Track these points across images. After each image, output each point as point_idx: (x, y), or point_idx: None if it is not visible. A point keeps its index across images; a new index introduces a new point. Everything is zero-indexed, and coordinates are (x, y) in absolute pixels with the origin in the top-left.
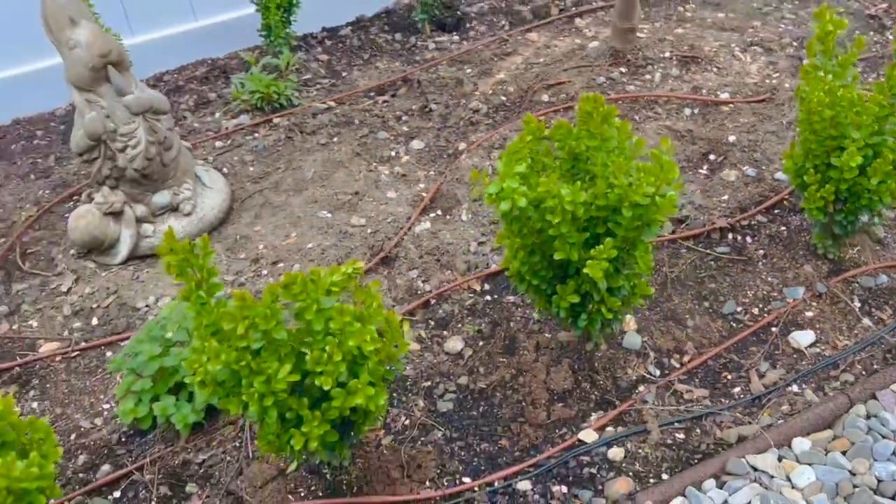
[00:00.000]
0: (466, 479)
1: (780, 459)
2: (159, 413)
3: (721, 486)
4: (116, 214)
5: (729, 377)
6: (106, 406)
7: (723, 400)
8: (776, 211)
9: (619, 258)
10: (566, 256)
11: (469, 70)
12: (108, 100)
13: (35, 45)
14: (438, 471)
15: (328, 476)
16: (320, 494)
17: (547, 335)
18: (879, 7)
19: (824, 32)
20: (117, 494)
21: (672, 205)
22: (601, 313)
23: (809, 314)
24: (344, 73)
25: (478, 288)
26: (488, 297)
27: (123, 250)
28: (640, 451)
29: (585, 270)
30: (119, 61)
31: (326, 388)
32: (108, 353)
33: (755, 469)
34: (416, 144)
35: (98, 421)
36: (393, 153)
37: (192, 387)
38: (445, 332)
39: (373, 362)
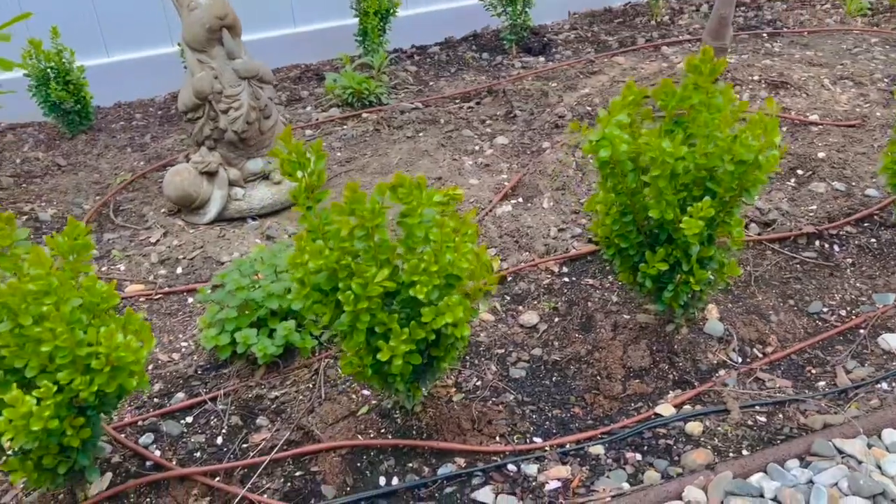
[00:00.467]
0: (537, 439)
1: (869, 447)
2: (241, 341)
3: (806, 465)
4: (211, 175)
5: (813, 371)
6: (184, 344)
7: (807, 392)
8: (866, 224)
9: (713, 222)
10: (661, 215)
11: (554, 84)
12: (218, 62)
13: (139, 35)
14: (509, 428)
15: (398, 420)
16: (390, 437)
17: (626, 316)
18: None
19: None
20: (189, 419)
21: (774, 164)
22: (689, 285)
23: None
24: (431, 83)
25: (556, 270)
26: (566, 279)
27: (213, 210)
28: (719, 428)
29: (681, 225)
30: (233, 25)
31: (420, 297)
32: (189, 300)
33: (842, 453)
34: (501, 140)
35: (175, 356)
36: (477, 147)
37: (273, 322)
38: (521, 308)
39: (464, 285)
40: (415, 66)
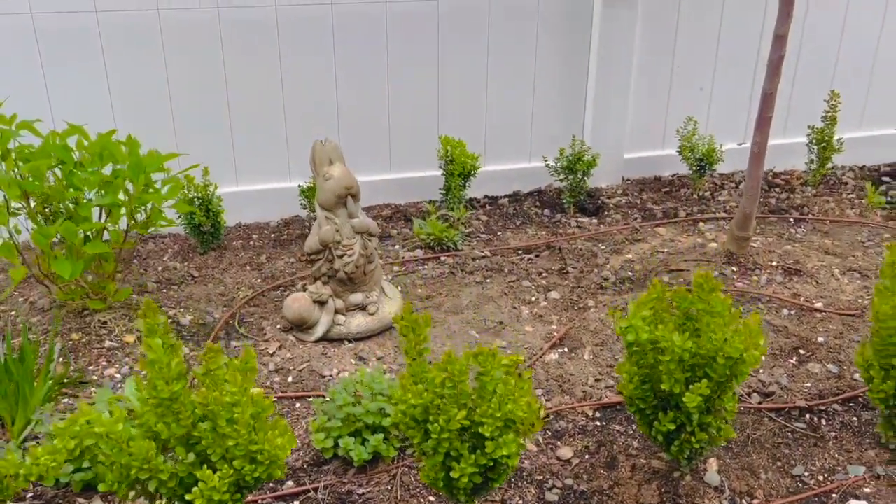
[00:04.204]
0: None
1: None
2: (343, 446)
3: None
4: (321, 303)
5: None
6: None
7: None
8: (851, 404)
9: (710, 397)
10: (670, 388)
11: (603, 247)
12: (340, 219)
13: (265, 169)
14: None
15: None
16: None
17: (643, 460)
18: None
19: (893, 261)
20: (296, 503)
21: (755, 362)
22: (691, 443)
23: (867, 490)
24: (499, 232)
25: (590, 413)
26: (598, 423)
27: (319, 331)
28: None
29: (684, 399)
30: (355, 194)
31: (486, 434)
32: (297, 405)
33: None
34: (553, 295)
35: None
36: (533, 298)
37: (367, 434)
38: (559, 443)
39: (518, 427)
40: (486, 215)
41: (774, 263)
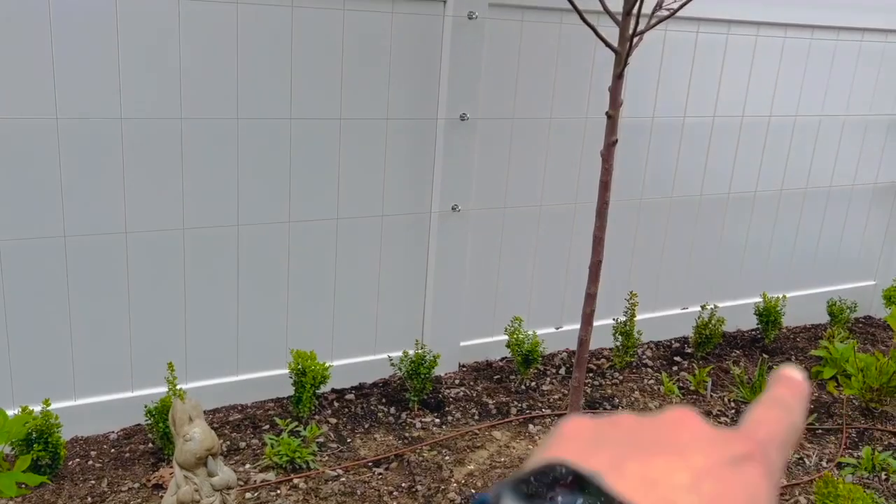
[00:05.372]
0: None
1: None
2: None
3: None
4: None
5: None
6: None
7: None
8: None
9: None
10: None
11: (447, 457)
12: (200, 478)
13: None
14: None
15: None
16: None
17: None
18: None
19: None
20: None
21: None
22: None
23: None
24: (349, 439)
25: None
26: None
27: None
28: None
29: None
30: (215, 453)
31: None
32: None
33: None
34: None
35: None
36: None
37: None
38: None
39: None
40: (334, 416)
41: None
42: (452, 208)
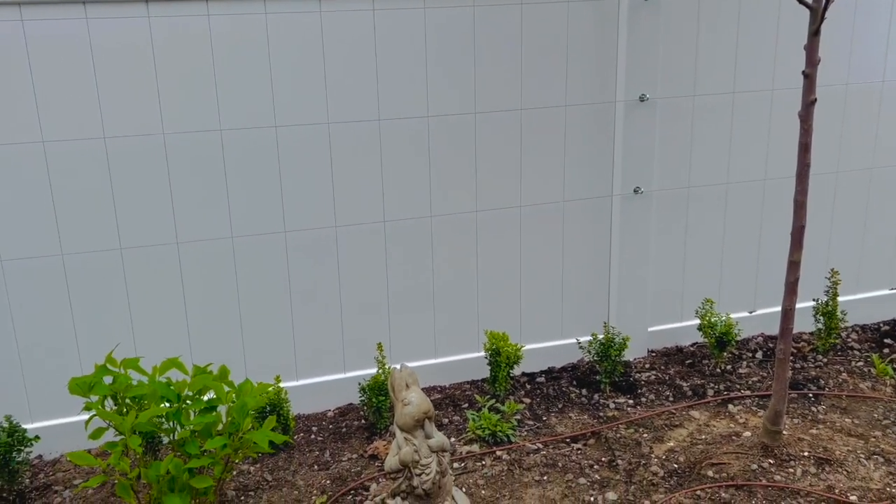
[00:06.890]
0: None
1: None
2: None
3: None
4: None
5: None
6: None
7: None
8: None
9: None
10: None
11: (645, 434)
12: (418, 440)
13: (324, 364)
14: None
15: None
16: None
17: None
18: None
19: None
20: None
21: None
22: None
23: None
24: (544, 417)
25: None
26: None
27: None
28: None
29: None
30: (431, 416)
31: None
32: None
33: None
34: (611, 496)
35: None
36: (592, 499)
37: None
38: None
39: None
40: (528, 396)
41: (806, 453)
42: (634, 191)
